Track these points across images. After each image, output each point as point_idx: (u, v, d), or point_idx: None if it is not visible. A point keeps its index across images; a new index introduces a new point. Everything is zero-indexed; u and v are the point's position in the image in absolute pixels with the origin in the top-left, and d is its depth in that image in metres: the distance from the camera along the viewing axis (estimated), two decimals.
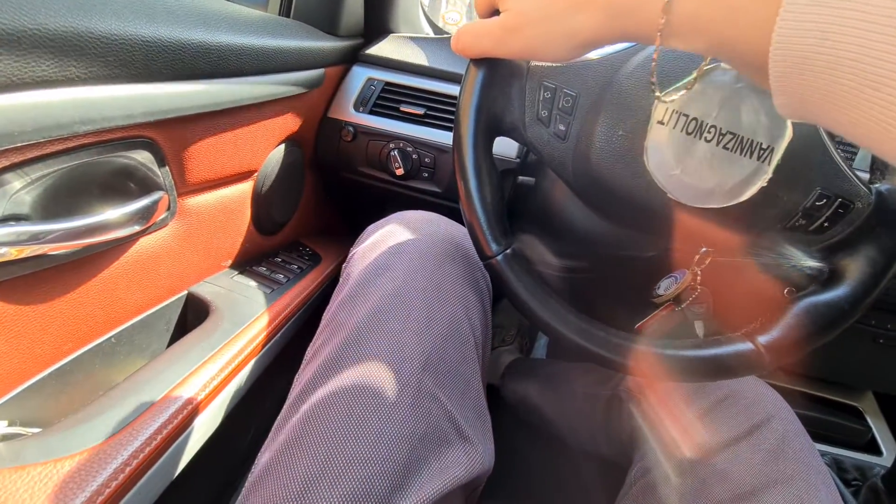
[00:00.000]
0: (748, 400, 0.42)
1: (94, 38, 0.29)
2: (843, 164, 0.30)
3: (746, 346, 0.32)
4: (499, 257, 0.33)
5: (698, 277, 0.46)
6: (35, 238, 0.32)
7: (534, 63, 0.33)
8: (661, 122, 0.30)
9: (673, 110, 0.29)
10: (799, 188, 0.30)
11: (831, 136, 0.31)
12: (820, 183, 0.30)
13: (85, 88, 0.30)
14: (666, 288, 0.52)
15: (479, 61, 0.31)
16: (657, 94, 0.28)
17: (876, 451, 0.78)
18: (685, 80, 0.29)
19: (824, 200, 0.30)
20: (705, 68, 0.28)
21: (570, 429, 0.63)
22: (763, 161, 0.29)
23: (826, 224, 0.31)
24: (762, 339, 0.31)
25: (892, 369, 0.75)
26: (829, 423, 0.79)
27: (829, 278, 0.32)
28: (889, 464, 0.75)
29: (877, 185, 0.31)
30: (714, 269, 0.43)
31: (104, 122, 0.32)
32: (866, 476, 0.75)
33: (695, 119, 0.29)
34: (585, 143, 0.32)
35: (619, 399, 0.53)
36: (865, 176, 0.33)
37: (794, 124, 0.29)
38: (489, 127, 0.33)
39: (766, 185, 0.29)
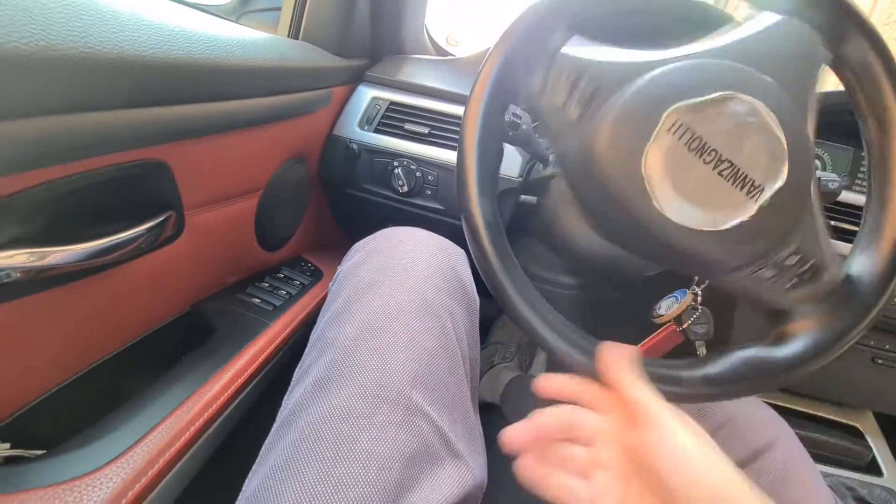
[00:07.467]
0: (750, 423, 0.42)
1: (112, 63, 0.30)
2: (824, 232, 0.31)
3: (684, 374, 0.32)
4: (478, 214, 0.33)
5: (699, 297, 0.46)
6: (43, 259, 0.32)
7: (563, 50, 0.33)
8: (667, 131, 0.30)
9: (682, 123, 0.30)
10: (776, 238, 0.30)
11: (823, 202, 0.31)
12: (798, 241, 0.30)
13: (102, 114, 0.30)
14: (667, 308, 0.52)
15: (506, 38, 0.33)
16: None
17: (877, 471, 0.78)
18: None
19: (797, 259, 0.30)
20: (723, 95, 0.29)
21: None
22: (751, 197, 0.29)
23: (790, 285, 0.31)
24: (693, 373, 0.32)
25: (890, 389, 0.75)
26: (830, 443, 0.78)
27: (776, 337, 0.33)
28: (892, 484, 0.75)
29: (847, 269, 0.31)
30: (714, 288, 0.43)
31: (119, 145, 0.32)
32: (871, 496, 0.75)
33: (699, 138, 0.29)
34: (592, 134, 0.32)
35: None
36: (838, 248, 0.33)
37: (791, 177, 0.29)
38: (507, 92, 0.34)
39: (746, 220, 0.29)
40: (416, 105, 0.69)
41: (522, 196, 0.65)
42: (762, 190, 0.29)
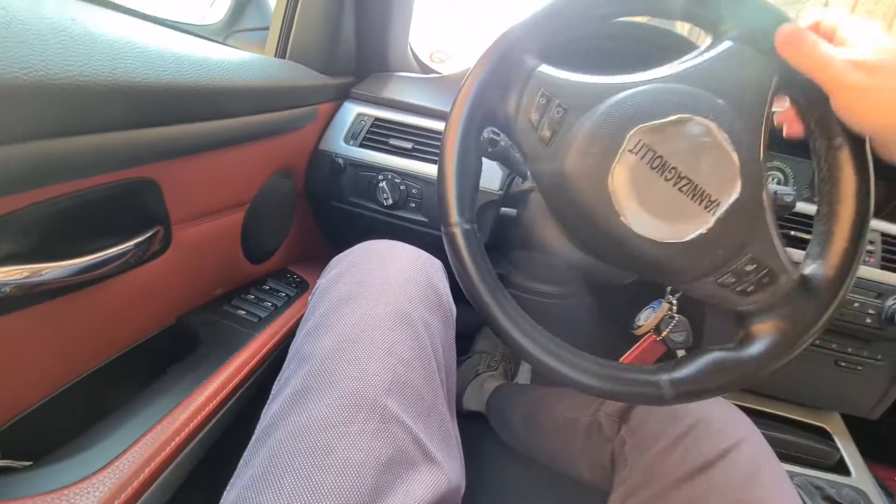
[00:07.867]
0: (719, 424, 0.44)
1: (106, 89, 0.31)
2: (777, 240, 0.33)
3: (655, 378, 0.35)
4: (457, 228, 0.36)
5: (674, 307, 0.49)
6: (35, 276, 0.33)
7: (538, 70, 0.35)
8: (630, 151, 0.32)
9: (644, 143, 0.32)
10: (734, 247, 0.33)
11: (774, 213, 0.34)
12: (753, 250, 0.33)
13: (96, 136, 0.32)
14: (645, 318, 0.54)
15: (482, 61, 0.35)
16: None
17: (845, 471, 0.81)
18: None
19: (754, 266, 0.33)
20: (681, 117, 0.32)
21: (552, 454, 0.64)
22: (708, 211, 0.32)
23: (751, 289, 0.34)
24: (669, 376, 0.34)
25: (853, 391, 0.78)
26: (798, 444, 0.81)
27: (742, 339, 0.35)
28: (859, 484, 0.78)
29: (802, 269, 0.34)
30: (686, 297, 0.46)
31: (111, 166, 0.34)
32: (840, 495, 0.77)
33: (660, 157, 0.32)
34: (563, 154, 0.34)
35: (598, 424, 0.54)
36: (796, 256, 0.35)
37: (743, 191, 0.32)
38: (484, 113, 0.36)
39: (705, 232, 0.32)
40: (401, 121, 0.72)
41: (503, 209, 0.67)
42: (718, 204, 0.32)
